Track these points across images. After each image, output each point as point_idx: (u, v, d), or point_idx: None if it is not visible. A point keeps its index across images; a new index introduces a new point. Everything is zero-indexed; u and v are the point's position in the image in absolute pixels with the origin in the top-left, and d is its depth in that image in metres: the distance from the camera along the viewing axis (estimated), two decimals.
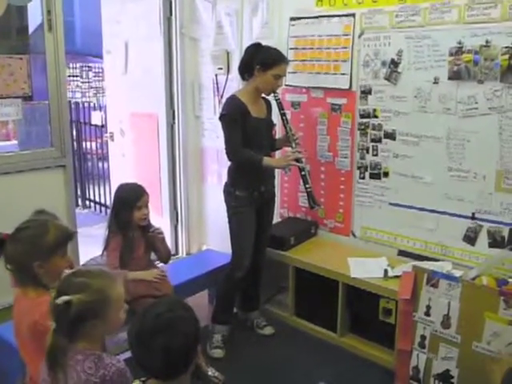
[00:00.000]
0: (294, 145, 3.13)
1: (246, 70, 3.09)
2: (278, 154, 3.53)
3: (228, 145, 3.03)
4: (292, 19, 3.54)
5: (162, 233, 3.03)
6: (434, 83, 2.94)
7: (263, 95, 3.16)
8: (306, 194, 3.17)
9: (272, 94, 3.11)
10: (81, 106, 7.12)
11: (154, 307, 1.60)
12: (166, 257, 3.10)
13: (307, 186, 3.10)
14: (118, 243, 2.85)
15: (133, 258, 2.89)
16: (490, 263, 2.74)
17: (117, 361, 1.70)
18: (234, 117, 2.99)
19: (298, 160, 3.06)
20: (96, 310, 1.65)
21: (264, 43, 3.13)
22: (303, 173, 3.09)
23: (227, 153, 3.05)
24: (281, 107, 3.14)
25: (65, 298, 1.60)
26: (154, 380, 1.56)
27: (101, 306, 1.67)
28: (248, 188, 3.10)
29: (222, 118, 3.05)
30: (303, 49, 3.52)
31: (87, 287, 1.66)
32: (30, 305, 1.93)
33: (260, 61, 2.99)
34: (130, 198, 2.88)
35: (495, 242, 2.86)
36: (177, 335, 1.51)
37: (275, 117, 3.28)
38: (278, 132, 3.54)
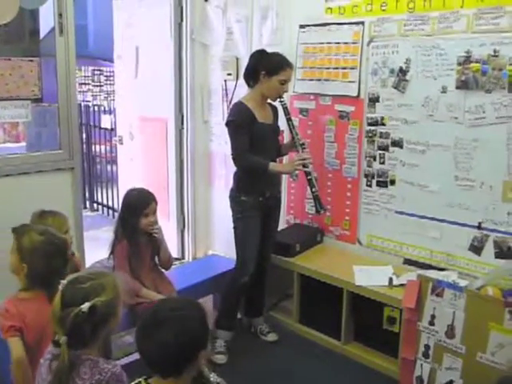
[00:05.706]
0: (300, 150, 3.13)
1: (251, 76, 3.10)
2: (285, 159, 3.53)
3: (235, 151, 3.04)
4: (301, 26, 3.55)
5: (157, 232, 2.89)
6: (442, 92, 2.93)
7: (269, 101, 3.17)
8: (312, 201, 3.17)
9: (278, 100, 3.12)
10: (91, 109, 7.17)
11: (168, 302, 1.62)
12: (165, 261, 3.01)
13: (314, 189, 3.10)
14: (124, 249, 2.83)
15: (140, 264, 2.88)
16: (496, 273, 2.72)
17: (112, 365, 1.71)
18: (241, 123, 3.00)
19: (304, 165, 3.07)
20: (114, 307, 1.70)
21: (273, 50, 3.14)
22: (309, 177, 3.09)
23: (234, 159, 3.06)
24: (287, 112, 3.14)
25: (88, 304, 1.61)
26: (156, 378, 1.56)
27: (117, 302, 1.72)
28: (253, 193, 3.10)
29: (228, 124, 3.07)
30: (312, 56, 3.52)
31: (103, 288, 1.68)
32: None
33: (265, 67, 3.00)
34: (138, 205, 2.84)
35: (501, 252, 2.84)
36: (182, 333, 1.51)
37: (282, 123, 3.28)
38: (286, 138, 3.54)
